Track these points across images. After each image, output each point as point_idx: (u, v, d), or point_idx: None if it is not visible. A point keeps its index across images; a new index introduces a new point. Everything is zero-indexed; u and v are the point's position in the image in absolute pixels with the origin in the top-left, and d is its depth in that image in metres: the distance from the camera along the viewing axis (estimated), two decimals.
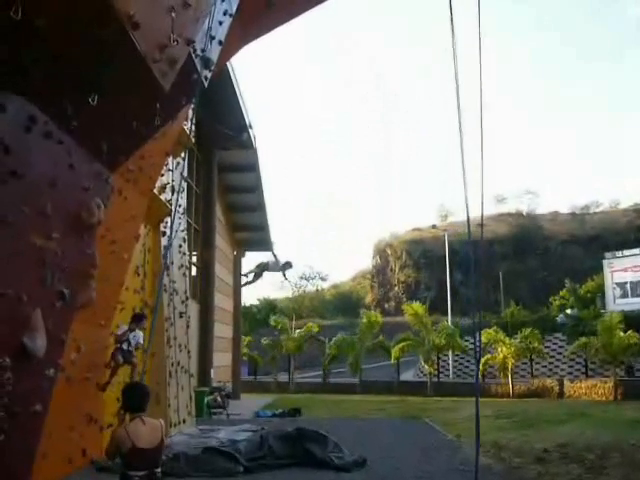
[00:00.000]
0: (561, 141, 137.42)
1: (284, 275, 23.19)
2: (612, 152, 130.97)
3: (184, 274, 16.23)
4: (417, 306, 35.24)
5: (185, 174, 16.26)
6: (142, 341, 10.99)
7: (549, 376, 34.14)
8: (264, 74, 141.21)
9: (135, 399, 5.10)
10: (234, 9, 7.80)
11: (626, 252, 47.75)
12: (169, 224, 14.23)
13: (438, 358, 35.13)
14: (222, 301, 27.48)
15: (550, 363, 37.25)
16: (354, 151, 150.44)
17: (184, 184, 16.98)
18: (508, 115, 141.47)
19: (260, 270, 24.83)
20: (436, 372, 34.93)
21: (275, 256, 13.80)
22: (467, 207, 6.17)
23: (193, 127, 13.99)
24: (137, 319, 10.91)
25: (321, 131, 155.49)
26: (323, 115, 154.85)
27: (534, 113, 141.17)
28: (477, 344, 6.27)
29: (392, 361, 36.00)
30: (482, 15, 6.27)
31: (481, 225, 6.50)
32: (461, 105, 6.28)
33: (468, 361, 39.54)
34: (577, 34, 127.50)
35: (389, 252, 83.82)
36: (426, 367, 34.15)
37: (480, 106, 6.01)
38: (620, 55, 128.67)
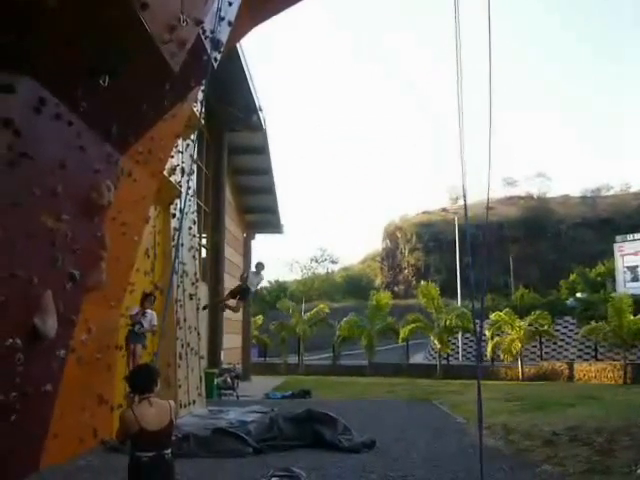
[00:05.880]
0: (573, 124, 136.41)
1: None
2: (624, 135, 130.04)
3: (194, 256, 16.25)
4: (431, 287, 35.33)
5: (195, 156, 16.23)
6: (155, 322, 11.08)
7: (559, 359, 34.08)
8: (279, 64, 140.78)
9: (142, 381, 5.09)
10: None
11: (637, 236, 47.49)
12: (179, 206, 14.24)
13: (448, 340, 35.07)
14: (232, 283, 27.48)
15: (560, 346, 37.21)
16: (365, 135, 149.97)
17: (194, 166, 16.95)
18: (520, 97, 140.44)
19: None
20: (446, 354, 34.89)
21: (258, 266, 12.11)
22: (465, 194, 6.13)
23: (203, 109, 13.92)
24: (148, 298, 11.04)
25: (333, 114, 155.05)
26: (335, 98, 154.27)
27: (547, 94, 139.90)
28: (479, 326, 6.16)
29: (401, 343, 35.97)
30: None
31: (487, 208, 6.42)
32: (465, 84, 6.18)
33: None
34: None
35: (399, 235, 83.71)
36: (438, 346, 34.03)
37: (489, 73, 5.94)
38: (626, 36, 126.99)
